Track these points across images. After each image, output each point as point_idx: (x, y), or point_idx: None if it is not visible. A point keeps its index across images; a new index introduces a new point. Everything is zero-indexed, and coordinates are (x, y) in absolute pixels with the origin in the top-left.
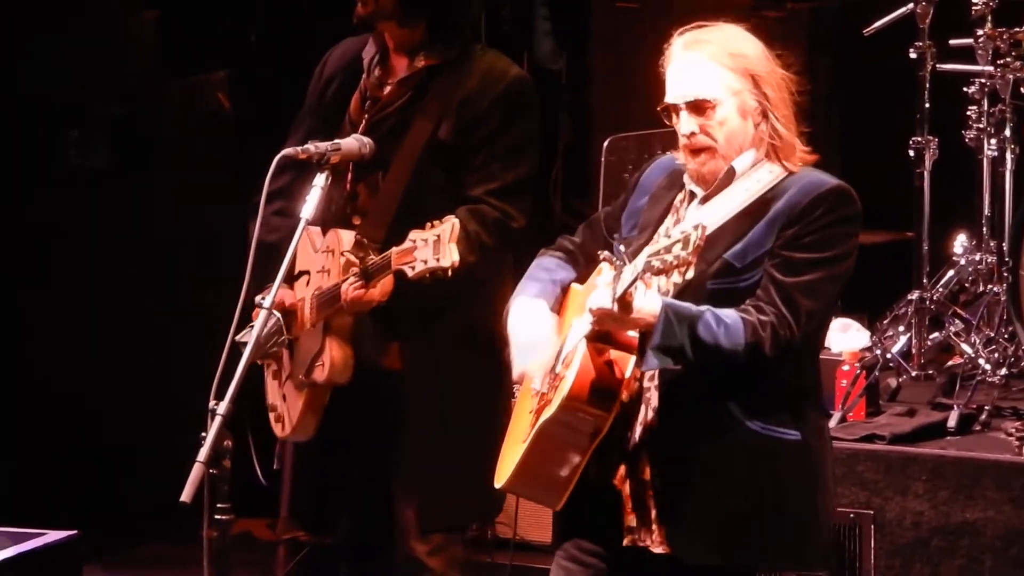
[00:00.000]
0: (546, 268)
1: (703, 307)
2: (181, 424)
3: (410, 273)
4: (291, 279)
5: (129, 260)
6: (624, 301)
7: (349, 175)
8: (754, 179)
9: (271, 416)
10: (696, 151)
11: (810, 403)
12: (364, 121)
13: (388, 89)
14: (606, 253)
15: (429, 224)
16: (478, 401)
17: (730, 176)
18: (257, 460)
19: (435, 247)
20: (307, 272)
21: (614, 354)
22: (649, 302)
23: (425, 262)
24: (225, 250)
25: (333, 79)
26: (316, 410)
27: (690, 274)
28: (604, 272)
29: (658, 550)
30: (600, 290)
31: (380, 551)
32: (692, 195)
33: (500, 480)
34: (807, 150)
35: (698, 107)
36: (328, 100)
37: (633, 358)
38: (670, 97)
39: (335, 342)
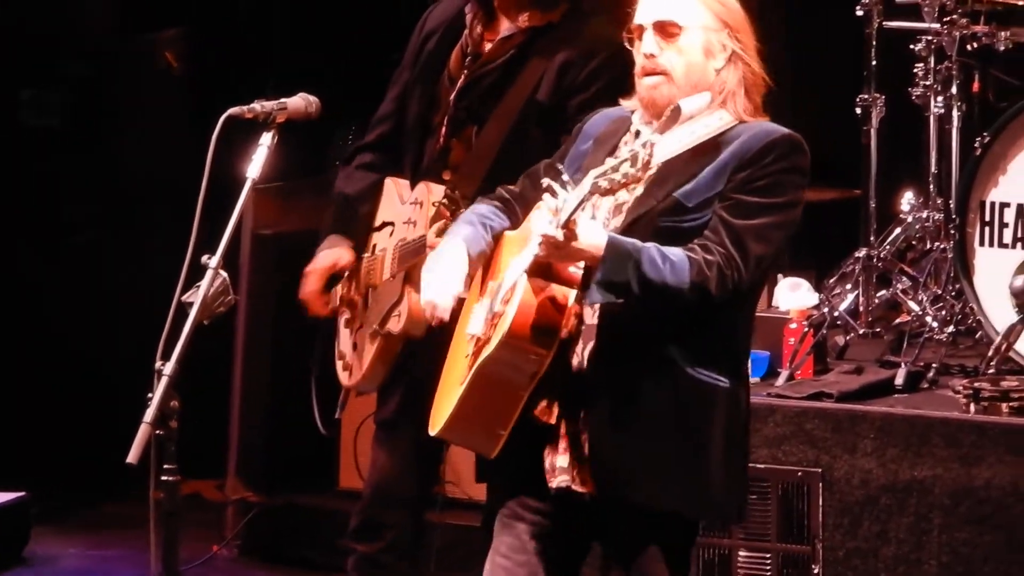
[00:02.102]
0: (479, 213)
1: (649, 243)
2: (135, 385)
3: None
4: (370, 230)
5: (85, 220)
6: (569, 228)
7: (444, 129)
8: (702, 123)
9: (339, 364)
10: (651, 72)
11: (742, 353)
12: (464, 77)
13: (490, 46)
14: (549, 181)
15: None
16: None
17: (676, 114)
18: (319, 409)
19: None
20: (391, 223)
21: (554, 289)
22: (593, 233)
23: None
24: (184, 209)
25: (433, 33)
26: (387, 360)
27: (639, 190)
28: (546, 202)
29: (582, 489)
30: (544, 216)
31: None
32: (638, 134)
33: (435, 427)
34: (759, 111)
35: (664, 29)
36: (427, 54)
37: (573, 293)
38: (639, 18)
39: (414, 294)
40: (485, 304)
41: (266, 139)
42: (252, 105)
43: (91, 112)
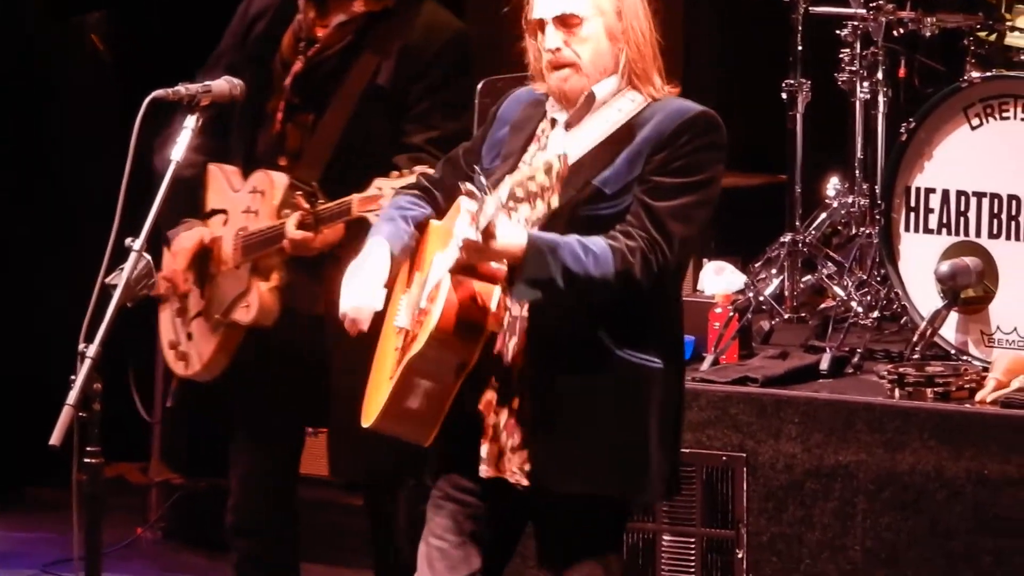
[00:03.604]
0: (400, 207)
1: (570, 236)
2: (59, 367)
3: (374, 220)
4: (203, 216)
5: (14, 208)
6: (488, 232)
7: (279, 115)
8: (615, 108)
9: (170, 354)
10: (559, 66)
11: (674, 334)
12: (300, 62)
13: (326, 32)
14: (467, 185)
15: (396, 173)
16: None
17: (590, 101)
18: (138, 397)
19: None
20: (223, 211)
21: (479, 286)
22: (514, 234)
23: None
24: (111, 194)
25: (260, 17)
26: (229, 350)
27: (555, 201)
28: (465, 204)
29: (520, 480)
30: (464, 220)
31: (280, 493)
32: (554, 122)
33: (367, 420)
34: (668, 83)
35: (565, 22)
36: (255, 38)
37: (498, 288)
38: (537, 12)
39: (262, 284)
40: (413, 295)
41: (190, 122)
42: (177, 88)
43: (19, 99)
